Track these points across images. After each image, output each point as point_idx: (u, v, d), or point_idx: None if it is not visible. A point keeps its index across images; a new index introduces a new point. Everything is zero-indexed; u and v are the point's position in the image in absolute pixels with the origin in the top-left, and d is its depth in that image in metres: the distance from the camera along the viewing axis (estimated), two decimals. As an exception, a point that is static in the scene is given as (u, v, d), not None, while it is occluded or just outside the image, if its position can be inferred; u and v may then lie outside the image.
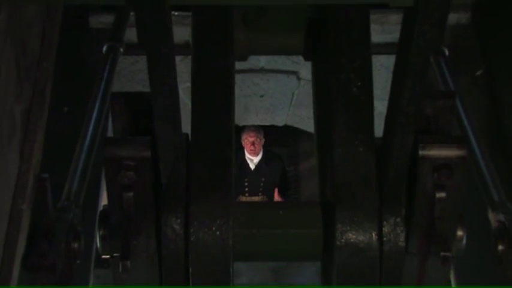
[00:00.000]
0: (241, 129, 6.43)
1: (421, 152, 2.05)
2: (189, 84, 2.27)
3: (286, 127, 5.79)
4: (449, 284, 3.23)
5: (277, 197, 6.76)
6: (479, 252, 2.41)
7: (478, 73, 3.71)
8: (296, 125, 5.64)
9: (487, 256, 2.35)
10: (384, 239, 2.08)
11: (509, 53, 3.60)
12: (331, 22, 2.33)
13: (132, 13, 3.03)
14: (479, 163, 2.50)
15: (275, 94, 5.13)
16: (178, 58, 1.83)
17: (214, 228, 2.06)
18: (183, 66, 3.14)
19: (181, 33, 2.82)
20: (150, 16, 1.61)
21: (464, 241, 2.19)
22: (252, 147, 6.59)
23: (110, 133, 2.36)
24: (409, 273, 2.20)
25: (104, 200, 2.79)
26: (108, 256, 2.18)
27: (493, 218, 2.33)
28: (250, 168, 6.72)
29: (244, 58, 2.64)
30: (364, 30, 2.30)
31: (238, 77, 2.47)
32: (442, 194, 2.08)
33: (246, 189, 6.69)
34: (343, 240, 2.06)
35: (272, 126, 5.93)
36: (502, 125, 3.44)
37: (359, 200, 2.09)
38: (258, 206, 3.40)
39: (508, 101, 3.51)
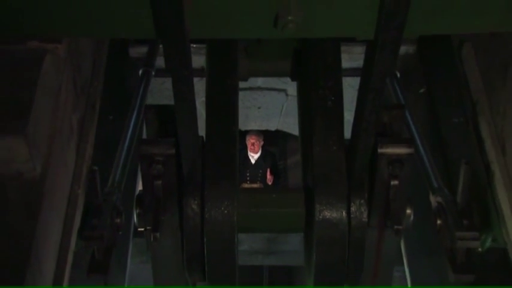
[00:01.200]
0: (245, 133, 6.41)
1: (379, 150, 2.04)
2: (204, 99, 2.25)
3: (278, 131, 5.75)
4: (400, 251, 3.21)
5: (269, 175, 6.71)
6: (422, 225, 2.40)
7: (421, 91, 3.69)
8: (285, 130, 5.61)
9: (429, 228, 2.34)
10: (352, 216, 2.06)
11: (444, 76, 3.59)
12: (311, 51, 2.31)
13: (161, 45, 3.02)
14: (423, 158, 2.49)
15: (269, 106, 5.10)
16: (196, 79, 1.81)
17: (223, 208, 2.05)
18: (200, 85, 3.11)
19: (198, 60, 2.79)
20: (174, 48, 1.60)
21: (412, 217, 2.18)
22: (252, 147, 6.58)
23: (144, 135, 2.34)
24: (370, 242, 2.19)
25: (139, 186, 2.77)
26: (143, 229, 2.16)
27: (433, 199, 2.32)
28: (251, 163, 6.70)
29: (245, 79, 2.62)
30: (336, 58, 2.28)
31: (241, 94, 2.45)
32: (395, 182, 2.08)
33: (248, 178, 6.65)
34: (320, 217, 2.05)
35: (267, 130, 5.90)
36: (439, 130, 3.43)
37: (332, 186, 2.07)
38: (257, 191, 3.39)
39: (443, 112, 3.50)
